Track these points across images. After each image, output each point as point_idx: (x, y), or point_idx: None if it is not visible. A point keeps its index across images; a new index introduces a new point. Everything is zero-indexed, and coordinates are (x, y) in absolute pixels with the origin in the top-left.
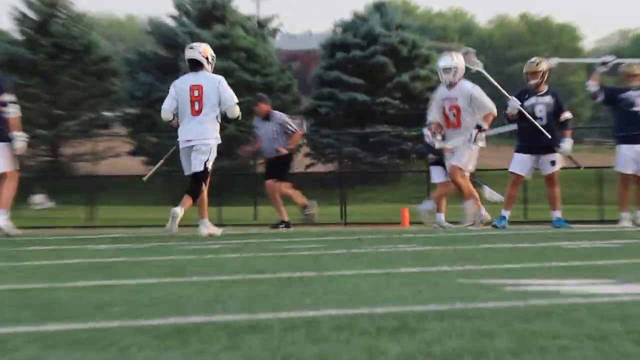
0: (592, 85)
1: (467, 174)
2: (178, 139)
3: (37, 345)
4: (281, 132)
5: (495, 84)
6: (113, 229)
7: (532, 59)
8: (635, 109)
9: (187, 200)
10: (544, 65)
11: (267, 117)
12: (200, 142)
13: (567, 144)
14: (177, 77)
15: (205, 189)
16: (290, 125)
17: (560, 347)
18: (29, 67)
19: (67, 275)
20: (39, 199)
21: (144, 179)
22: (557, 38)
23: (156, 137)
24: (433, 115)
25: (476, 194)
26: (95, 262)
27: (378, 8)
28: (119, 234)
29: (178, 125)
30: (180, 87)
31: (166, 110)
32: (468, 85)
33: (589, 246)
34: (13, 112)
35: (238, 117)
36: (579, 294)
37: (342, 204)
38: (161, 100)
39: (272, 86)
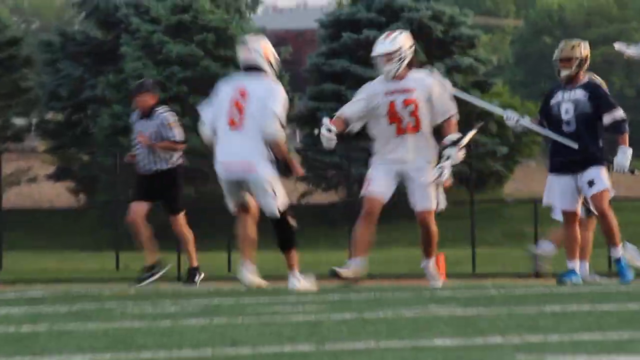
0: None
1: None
2: None
3: None
4: (158, 137)
5: (480, 103)
6: (28, 285)
7: (567, 41)
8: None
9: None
10: (583, 50)
11: (149, 114)
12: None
13: (622, 156)
14: (115, 67)
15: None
16: (171, 129)
17: None
18: None
19: None
20: None
21: None
22: None
23: (89, 153)
24: (345, 111)
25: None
26: (3, 333)
27: None
28: (38, 291)
29: None
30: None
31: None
32: (425, 76)
33: None
34: None
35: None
36: None
37: (350, 248)
38: (94, 100)
39: None
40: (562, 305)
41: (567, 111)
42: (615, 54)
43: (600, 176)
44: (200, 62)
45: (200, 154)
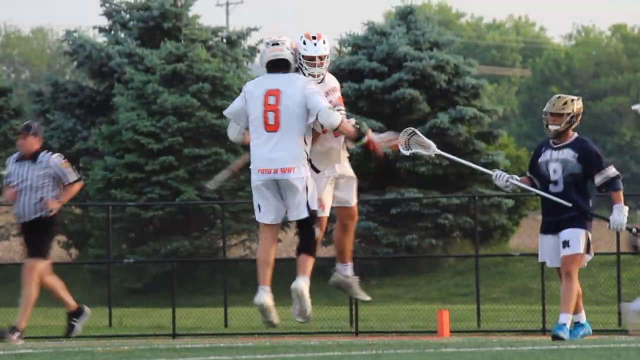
0: None
1: None
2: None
3: None
4: (50, 181)
5: (467, 163)
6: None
7: (561, 95)
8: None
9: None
10: (575, 106)
11: (32, 157)
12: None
13: (618, 213)
14: (108, 118)
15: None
16: (66, 171)
17: None
18: None
19: None
20: None
21: (208, 185)
22: None
23: (81, 207)
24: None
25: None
26: None
27: (403, 17)
28: (28, 349)
29: None
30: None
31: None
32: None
33: None
34: None
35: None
36: None
37: (351, 303)
38: (86, 152)
39: None
40: None
41: (555, 171)
42: (625, 104)
43: (577, 238)
44: (196, 112)
45: (194, 205)
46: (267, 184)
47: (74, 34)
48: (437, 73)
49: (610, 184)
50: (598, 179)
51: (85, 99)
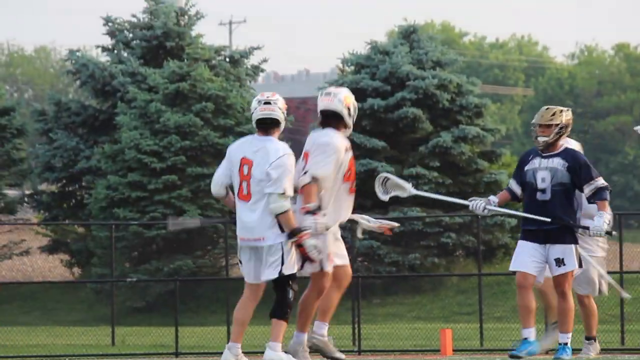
0: None
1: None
2: None
3: None
4: None
5: (442, 198)
6: None
7: (549, 107)
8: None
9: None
10: (564, 117)
11: None
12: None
13: (599, 219)
14: (111, 137)
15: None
16: None
17: None
18: None
19: None
20: None
21: (170, 224)
22: None
23: (84, 226)
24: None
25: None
26: None
27: (406, 36)
28: None
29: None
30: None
31: None
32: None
33: None
34: None
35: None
36: None
37: (354, 322)
38: (89, 171)
39: None
40: None
41: (543, 179)
42: (628, 123)
43: (571, 255)
44: (198, 131)
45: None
46: (244, 249)
47: (77, 53)
48: (440, 92)
49: (597, 194)
50: (587, 190)
51: (88, 118)
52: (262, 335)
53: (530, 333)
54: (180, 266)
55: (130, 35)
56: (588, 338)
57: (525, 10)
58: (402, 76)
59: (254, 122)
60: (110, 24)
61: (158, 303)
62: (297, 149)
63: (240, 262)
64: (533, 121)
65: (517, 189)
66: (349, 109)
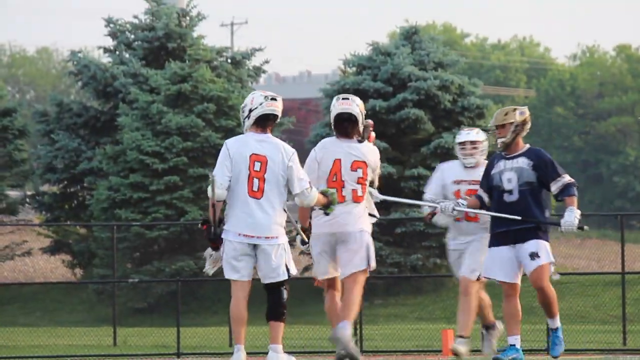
0: None
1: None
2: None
3: None
4: None
5: (410, 202)
6: None
7: (500, 109)
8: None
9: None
10: (517, 115)
11: None
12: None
13: (569, 214)
14: (113, 138)
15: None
16: None
17: None
18: None
19: None
20: None
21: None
22: None
23: (85, 226)
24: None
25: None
26: None
27: (408, 37)
28: None
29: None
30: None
31: None
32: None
33: None
34: None
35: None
36: None
37: (356, 322)
38: (91, 172)
39: None
40: None
41: (509, 180)
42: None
43: (545, 249)
44: (200, 132)
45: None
46: (244, 247)
47: (79, 54)
48: (442, 93)
49: (564, 190)
50: (554, 187)
51: (90, 119)
52: (263, 336)
53: (517, 340)
54: (182, 267)
55: (132, 36)
56: (487, 327)
57: (526, 11)
58: (404, 77)
59: (254, 117)
60: (112, 25)
61: (160, 304)
62: (298, 149)
63: (231, 265)
64: (489, 125)
65: (485, 196)
66: (362, 115)
